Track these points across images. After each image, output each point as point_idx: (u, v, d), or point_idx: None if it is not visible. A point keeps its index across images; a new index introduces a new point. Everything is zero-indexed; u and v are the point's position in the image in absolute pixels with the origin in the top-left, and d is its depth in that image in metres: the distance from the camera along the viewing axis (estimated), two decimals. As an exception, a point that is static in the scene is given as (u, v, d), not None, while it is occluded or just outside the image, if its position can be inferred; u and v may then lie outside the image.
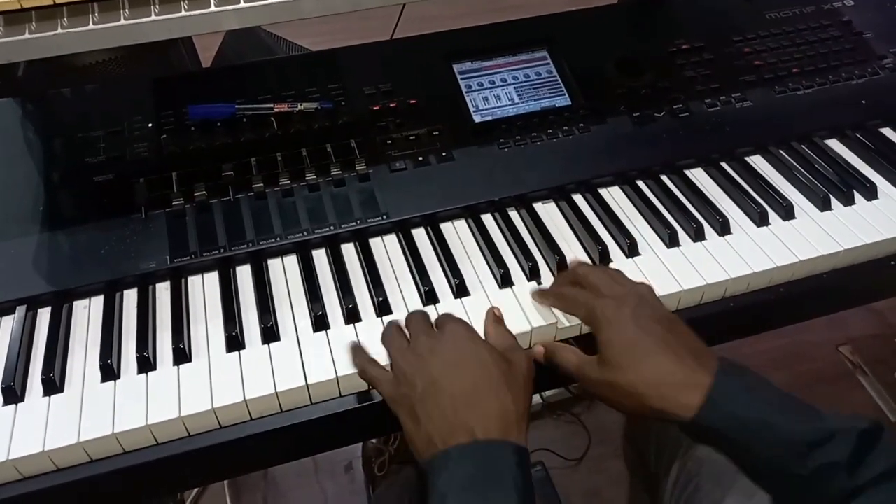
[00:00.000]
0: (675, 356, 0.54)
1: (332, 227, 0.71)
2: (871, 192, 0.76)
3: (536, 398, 1.39)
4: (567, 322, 0.64)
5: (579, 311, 0.60)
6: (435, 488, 0.50)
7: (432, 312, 0.65)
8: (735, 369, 0.54)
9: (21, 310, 0.66)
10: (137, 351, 0.62)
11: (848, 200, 0.75)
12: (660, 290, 0.66)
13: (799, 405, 0.52)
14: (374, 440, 1.34)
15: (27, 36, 0.61)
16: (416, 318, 0.60)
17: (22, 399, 0.60)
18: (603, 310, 0.57)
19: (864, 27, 0.91)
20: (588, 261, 0.70)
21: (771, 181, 0.78)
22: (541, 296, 0.65)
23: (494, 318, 0.62)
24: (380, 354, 0.60)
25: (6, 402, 0.59)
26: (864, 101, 0.85)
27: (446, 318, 0.59)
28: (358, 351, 0.61)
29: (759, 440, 0.51)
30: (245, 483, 1.34)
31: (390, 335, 0.60)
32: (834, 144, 0.83)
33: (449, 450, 0.51)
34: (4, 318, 0.66)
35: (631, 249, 0.70)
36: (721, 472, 0.71)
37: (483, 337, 0.59)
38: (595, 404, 1.44)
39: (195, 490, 1.31)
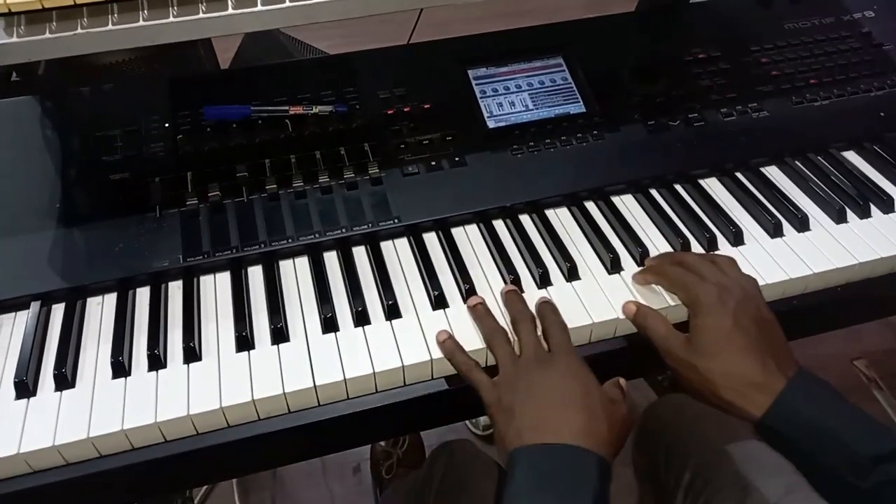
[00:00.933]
0: (760, 358, 0.55)
1: (343, 230, 0.72)
2: (887, 205, 0.75)
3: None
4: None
5: (681, 292, 0.62)
6: (512, 478, 0.51)
7: (442, 318, 0.65)
8: (811, 380, 0.55)
9: (35, 305, 0.67)
10: (148, 348, 0.63)
11: (864, 213, 0.74)
12: (671, 301, 0.66)
13: (870, 422, 0.54)
14: (382, 443, 1.34)
15: (48, 35, 0.61)
16: (525, 328, 0.61)
17: (34, 393, 0.61)
18: (708, 296, 0.58)
19: (884, 39, 0.90)
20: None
21: (786, 192, 0.77)
22: (644, 273, 0.67)
23: (616, 382, 0.61)
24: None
25: (18, 397, 0.60)
26: (882, 114, 0.84)
27: (559, 342, 0.60)
28: (457, 351, 0.61)
29: (823, 449, 0.53)
30: (253, 482, 1.35)
31: (498, 340, 0.60)
32: (851, 156, 0.82)
33: (535, 444, 0.52)
34: (19, 313, 0.67)
35: (642, 258, 0.70)
36: (734, 482, 0.70)
37: None
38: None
39: (204, 488, 1.31)
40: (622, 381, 0.60)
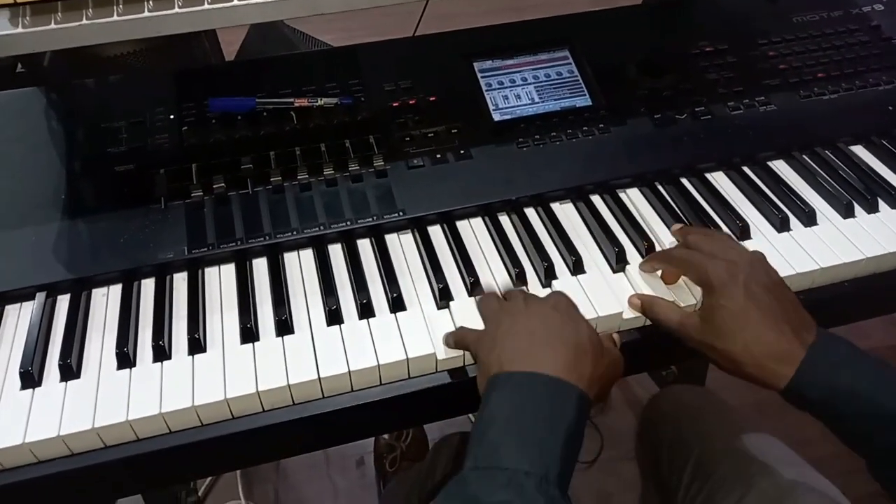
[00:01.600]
0: (777, 328, 0.55)
1: (348, 223, 0.72)
2: (895, 200, 0.75)
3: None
4: None
5: (691, 272, 0.61)
6: (487, 404, 0.50)
7: (446, 311, 0.65)
8: (832, 341, 0.55)
9: (41, 296, 0.67)
10: (153, 340, 0.63)
11: (872, 208, 0.74)
12: (676, 295, 0.65)
13: (894, 375, 0.53)
14: (386, 436, 1.34)
15: (53, 26, 0.61)
16: (516, 289, 0.61)
17: (39, 384, 0.61)
18: (717, 272, 0.57)
19: (893, 32, 0.89)
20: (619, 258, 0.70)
21: (793, 186, 0.77)
22: (649, 261, 0.67)
23: (610, 336, 0.62)
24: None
25: (24, 387, 0.60)
26: (891, 108, 0.84)
27: (553, 293, 0.60)
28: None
29: (849, 410, 0.53)
30: (257, 474, 1.35)
31: (487, 298, 0.61)
32: (859, 151, 0.82)
33: (514, 373, 0.51)
34: (24, 304, 0.67)
35: (648, 252, 0.70)
36: (737, 474, 0.70)
37: None
38: (608, 408, 1.43)
39: (208, 480, 1.32)
40: (616, 335, 0.61)
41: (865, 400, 0.52)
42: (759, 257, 0.60)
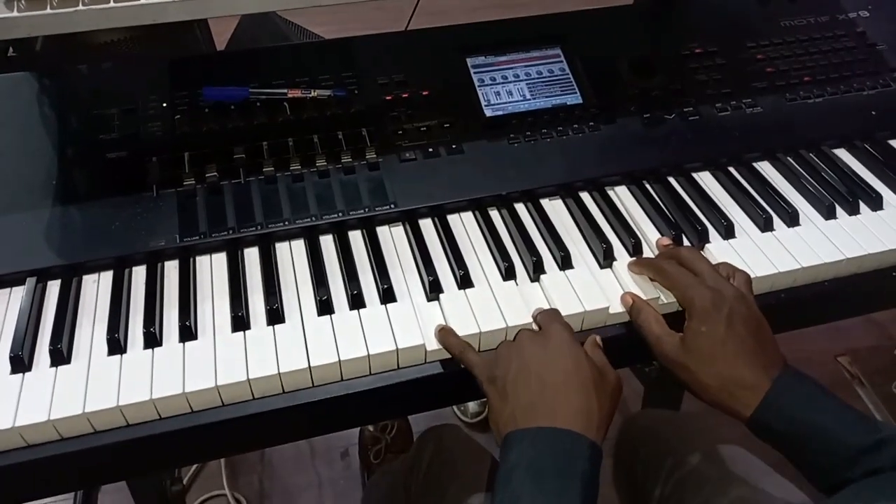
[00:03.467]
0: (750, 361, 0.57)
1: (340, 214, 0.72)
2: (876, 203, 0.76)
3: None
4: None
5: (677, 291, 0.63)
6: (506, 461, 0.53)
7: (435, 303, 0.66)
8: (796, 376, 0.57)
9: (31, 281, 0.67)
10: (144, 326, 0.63)
11: (853, 210, 0.76)
12: (664, 297, 0.67)
13: (854, 414, 0.56)
14: (370, 428, 1.35)
15: (48, 11, 0.61)
16: (522, 330, 0.62)
17: (29, 368, 0.61)
18: (703, 300, 0.59)
19: (878, 39, 0.91)
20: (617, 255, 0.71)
21: (777, 187, 0.78)
22: (639, 265, 0.68)
23: (594, 342, 0.62)
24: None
25: (14, 371, 0.60)
26: (874, 113, 0.85)
27: (551, 318, 0.61)
28: (450, 334, 0.62)
29: (812, 443, 0.55)
30: (242, 464, 1.35)
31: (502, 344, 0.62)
32: (842, 154, 0.83)
33: (529, 429, 0.53)
34: (15, 289, 0.67)
35: (635, 249, 0.71)
36: (710, 487, 0.71)
37: None
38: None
39: (193, 469, 1.32)
40: (598, 338, 0.62)
41: (826, 435, 0.54)
42: (743, 293, 0.61)
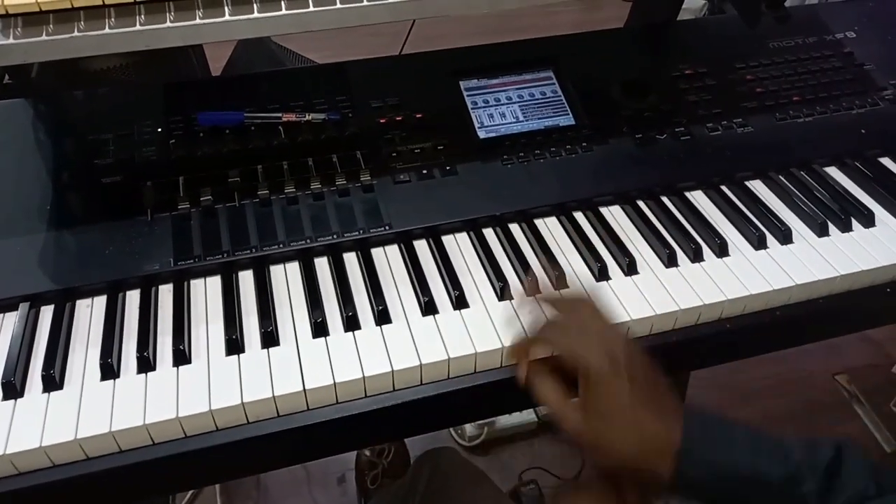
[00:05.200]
0: (657, 409, 0.54)
1: (335, 236, 0.72)
2: (868, 220, 0.77)
3: (531, 415, 1.39)
4: None
5: (567, 358, 0.57)
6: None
7: (431, 324, 0.66)
8: (699, 419, 0.55)
9: (24, 306, 0.67)
10: (138, 351, 0.63)
11: (845, 227, 0.76)
12: (657, 310, 0.67)
13: (766, 441, 0.54)
14: (367, 452, 1.34)
15: (44, 38, 0.62)
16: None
17: (21, 395, 0.60)
18: (599, 366, 0.55)
19: (865, 59, 0.93)
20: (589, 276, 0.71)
21: (770, 206, 0.79)
22: (521, 347, 0.62)
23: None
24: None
25: (6, 397, 0.60)
26: (863, 131, 0.86)
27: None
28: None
29: (736, 486, 0.53)
30: (237, 490, 1.34)
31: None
32: (833, 172, 0.84)
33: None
34: (7, 315, 0.67)
35: (630, 268, 0.71)
36: None
37: None
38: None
39: (188, 495, 1.30)
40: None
41: (746, 469, 0.52)
42: (628, 338, 0.58)
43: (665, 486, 0.53)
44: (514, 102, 0.85)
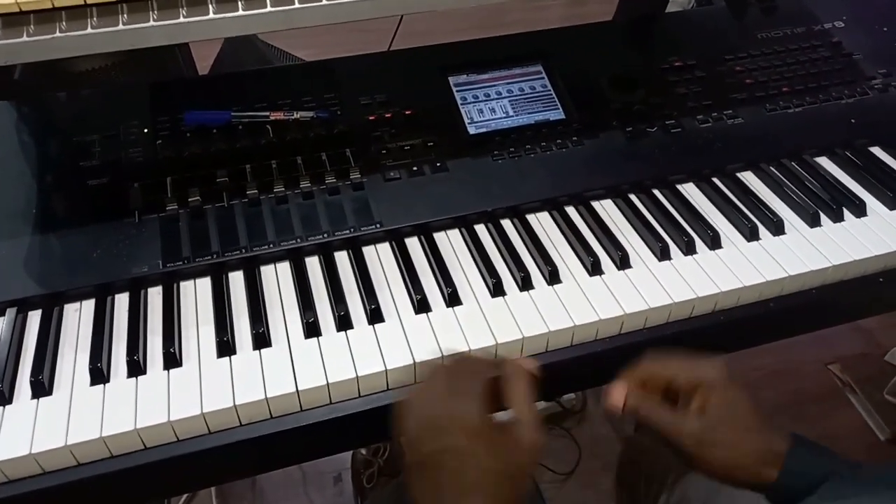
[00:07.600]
0: (766, 422, 0.57)
1: (325, 235, 0.72)
2: (860, 210, 0.77)
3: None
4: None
5: (681, 376, 0.58)
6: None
7: (424, 322, 0.65)
8: (800, 437, 0.57)
9: (11, 311, 0.66)
10: (128, 355, 0.62)
11: (837, 217, 0.76)
12: (651, 303, 0.67)
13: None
14: (363, 452, 1.33)
15: (25, 38, 0.61)
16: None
17: (10, 401, 0.60)
18: (715, 371, 0.57)
19: (854, 48, 0.93)
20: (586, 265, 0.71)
21: (761, 197, 0.79)
22: (629, 378, 0.59)
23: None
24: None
25: (-6, 404, 0.59)
26: (853, 121, 0.86)
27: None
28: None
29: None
30: (232, 492, 1.33)
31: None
32: (824, 162, 0.84)
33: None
34: (-6, 320, 0.66)
35: (622, 262, 0.71)
36: (708, 500, 0.71)
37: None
38: (586, 418, 1.44)
39: (183, 498, 1.29)
40: (533, 365, 0.57)
41: (844, 479, 0.53)
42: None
43: (768, 494, 0.55)
44: (504, 97, 0.84)
